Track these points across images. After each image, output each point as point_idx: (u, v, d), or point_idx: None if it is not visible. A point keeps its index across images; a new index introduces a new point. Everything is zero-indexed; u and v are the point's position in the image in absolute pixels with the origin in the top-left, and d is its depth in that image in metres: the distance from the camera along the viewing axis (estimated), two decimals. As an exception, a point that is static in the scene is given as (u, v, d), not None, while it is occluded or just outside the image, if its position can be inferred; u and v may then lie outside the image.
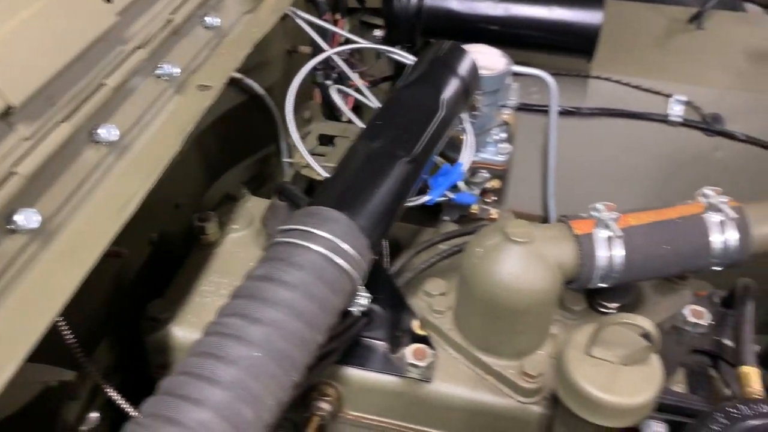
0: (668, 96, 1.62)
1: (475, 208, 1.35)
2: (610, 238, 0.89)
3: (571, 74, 1.66)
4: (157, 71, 0.93)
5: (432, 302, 1.02)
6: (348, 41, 1.32)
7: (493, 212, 1.32)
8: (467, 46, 1.25)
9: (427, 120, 0.96)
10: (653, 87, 1.63)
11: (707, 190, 0.93)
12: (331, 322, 0.76)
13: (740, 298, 0.94)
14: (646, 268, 0.91)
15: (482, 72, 1.19)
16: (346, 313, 0.82)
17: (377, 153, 0.89)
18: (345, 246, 0.77)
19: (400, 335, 0.98)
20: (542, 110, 1.67)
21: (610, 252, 0.89)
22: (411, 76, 1.05)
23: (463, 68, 1.06)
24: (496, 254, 0.89)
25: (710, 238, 0.91)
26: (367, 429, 1.03)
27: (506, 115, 1.31)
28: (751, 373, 0.83)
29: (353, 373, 0.98)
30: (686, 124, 1.62)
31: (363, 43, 1.25)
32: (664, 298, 1.10)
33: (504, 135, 1.32)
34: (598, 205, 0.92)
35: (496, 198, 1.43)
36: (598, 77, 1.66)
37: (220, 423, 0.63)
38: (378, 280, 0.93)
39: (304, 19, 1.28)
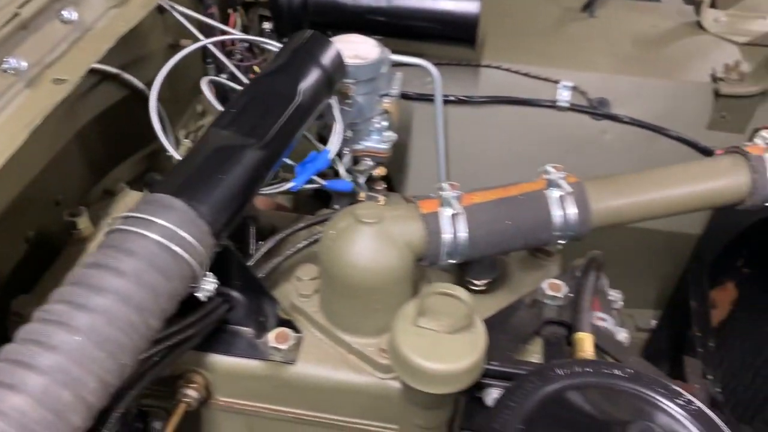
0: (556, 82, 1.68)
1: (362, 196, 1.38)
2: (454, 216, 0.93)
3: (462, 64, 1.70)
4: (3, 66, 0.93)
5: (300, 286, 1.04)
6: (223, 33, 1.33)
7: (382, 199, 1.35)
8: (341, 36, 1.28)
9: (283, 107, 0.98)
10: (542, 74, 1.68)
11: (549, 167, 0.98)
12: (167, 307, 0.78)
13: (584, 269, 0.98)
14: (491, 242, 0.94)
15: (354, 61, 1.22)
16: (204, 300, 0.85)
17: (226, 140, 0.91)
18: (182, 233, 0.79)
19: (264, 320, 0.99)
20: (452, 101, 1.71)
21: (454, 228, 0.92)
22: (271, 65, 1.07)
23: (325, 57, 1.08)
24: (347, 235, 0.92)
25: (551, 213, 0.95)
26: (239, 414, 1.05)
27: (387, 103, 1.33)
28: (585, 339, 0.88)
29: (219, 359, 1.00)
30: (574, 108, 1.68)
31: (237, 35, 1.26)
32: (529, 273, 1.14)
33: (386, 123, 1.35)
34: (444, 185, 0.95)
35: (385, 185, 1.46)
36: (489, 66, 1.70)
37: (37, 408, 0.64)
38: (233, 267, 0.95)
39: (180, 12, 1.28)
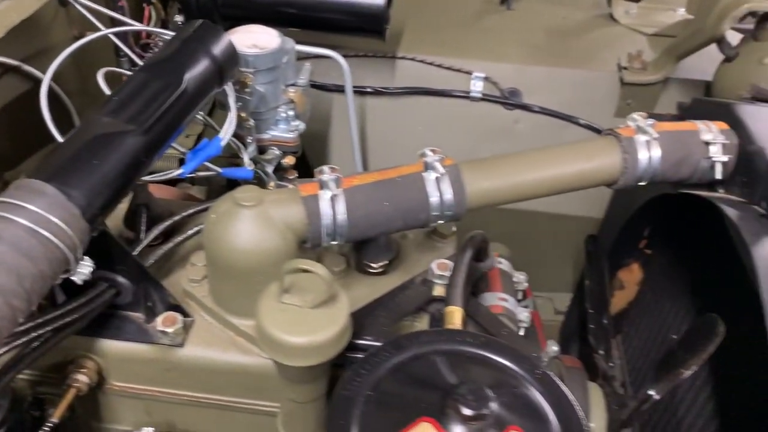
0: (469, 73, 1.72)
1: (272, 185, 1.40)
2: (333, 198, 0.96)
3: (378, 55, 1.74)
4: None
5: (191, 272, 1.06)
6: (124, 24, 1.34)
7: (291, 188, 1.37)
8: (242, 27, 1.30)
9: (166, 95, 1.00)
10: (456, 65, 1.73)
11: (428, 151, 1.01)
12: (35, 288, 0.79)
13: (462, 246, 1.02)
14: (371, 223, 0.97)
15: (253, 51, 1.24)
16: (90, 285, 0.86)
17: (104, 127, 0.92)
18: (51, 217, 0.80)
19: (152, 305, 1.01)
20: (357, 90, 1.75)
21: (333, 210, 0.95)
22: (158, 54, 1.08)
23: (215, 46, 1.10)
24: (226, 219, 0.94)
25: (427, 194, 0.98)
26: (135, 398, 1.06)
27: (292, 93, 1.36)
28: (455, 312, 0.91)
29: (109, 344, 1.01)
30: (486, 99, 1.72)
31: (137, 26, 1.28)
32: (425, 254, 1.18)
33: (292, 113, 1.37)
34: (324, 168, 0.98)
35: (296, 174, 1.48)
36: (404, 58, 1.74)
37: None
38: (115, 253, 0.96)
39: (80, 3, 1.29)
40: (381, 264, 1.15)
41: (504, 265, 1.49)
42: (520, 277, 1.51)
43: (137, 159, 0.94)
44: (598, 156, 1.07)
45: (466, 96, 1.73)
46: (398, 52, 1.74)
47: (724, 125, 1.10)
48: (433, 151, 1.01)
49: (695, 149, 1.07)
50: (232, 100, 1.17)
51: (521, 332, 1.43)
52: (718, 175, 1.07)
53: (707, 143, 1.07)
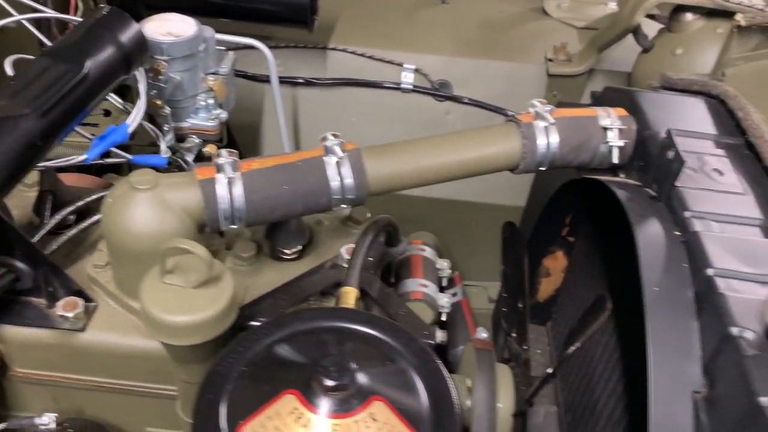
0: (400, 65, 1.74)
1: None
2: (229, 181, 0.96)
3: (309, 46, 1.75)
4: None
5: (95, 257, 1.06)
6: (35, 11, 1.33)
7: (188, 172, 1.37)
8: (158, 15, 1.30)
9: (66, 80, 1.00)
10: (387, 57, 1.74)
11: (329, 135, 1.02)
12: None
13: (363, 230, 1.04)
14: (271, 207, 0.99)
15: (167, 38, 1.24)
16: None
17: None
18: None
19: (53, 290, 1.01)
20: (289, 81, 1.76)
21: (230, 194, 0.96)
22: (63, 40, 1.08)
23: (122, 33, 1.10)
24: (121, 202, 0.94)
25: (328, 178, 0.99)
26: (40, 385, 1.06)
27: (212, 81, 1.36)
28: (350, 292, 0.93)
29: (10, 330, 1.01)
30: (417, 90, 1.74)
31: (50, 13, 1.27)
32: (338, 240, 1.20)
33: (211, 101, 1.37)
34: (222, 152, 0.99)
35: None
36: (335, 49, 1.75)
37: None
38: (12, 238, 0.96)
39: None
40: (294, 250, 1.17)
41: (427, 252, 1.51)
42: (443, 264, 1.53)
43: (32, 142, 0.94)
44: (498, 141, 1.09)
45: (397, 87, 1.74)
46: (330, 43, 1.75)
47: (623, 111, 1.13)
48: (334, 135, 1.02)
49: (594, 134, 1.10)
50: (142, 87, 1.17)
51: (443, 317, 1.46)
52: (615, 160, 1.10)
53: (605, 129, 1.10)
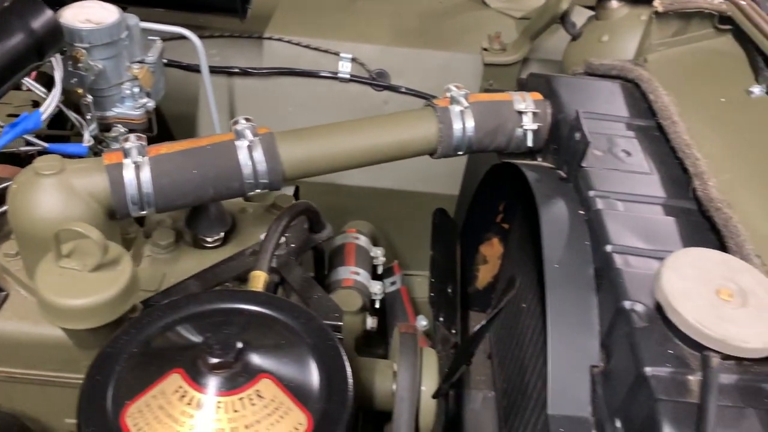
0: (336, 54, 1.74)
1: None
2: (137, 166, 0.96)
3: (244, 36, 1.74)
4: None
5: (6, 246, 1.05)
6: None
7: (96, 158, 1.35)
8: (77, 3, 1.28)
9: (-30, 66, 0.98)
10: (323, 46, 1.74)
11: (241, 119, 1.02)
12: None
13: (278, 215, 1.03)
14: (180, 192, 0.98)
15: (86, 26, 1.22)
16: None
17: None
18: None
19: (-41, 280, 0.99)
20: (224, 71, 1.75)
21: (138, 179, 0.95)
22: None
23: (34, 20, 1.08)
24: (26, 188, 0.93)
25: (239, 162, 0.99)
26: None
27: (136, 70, 1.35)
28: (259, 276, 0.93)
29: None
30: (354, 79, 1.75)
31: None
32: (262, 227, 1.19)
33: (137, 90, 1.36)
34: (131, 136, 0.98)
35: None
36: (270, 38, 1.74)
37: None
38: None
39: None
40: (215, 238, 1.16)
41: (361, 240, 1.52)
42: (377, 252, 1.54)
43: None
44: (415, 126, 1.10)
45: (334, 77, 1.74)
46: (267, 32, 1.74)
47: (538, 96, 1.15)
48: (246, 119, 1.02)
49: (509, 118, 1.11)
50: (57, 75, 1.16)
51: (377, 305, 1.47)
52: (530, 143, 1.12)
53: (520, 113, 1.11)
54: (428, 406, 1.15)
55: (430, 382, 1.16)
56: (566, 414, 0.81)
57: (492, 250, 1.69)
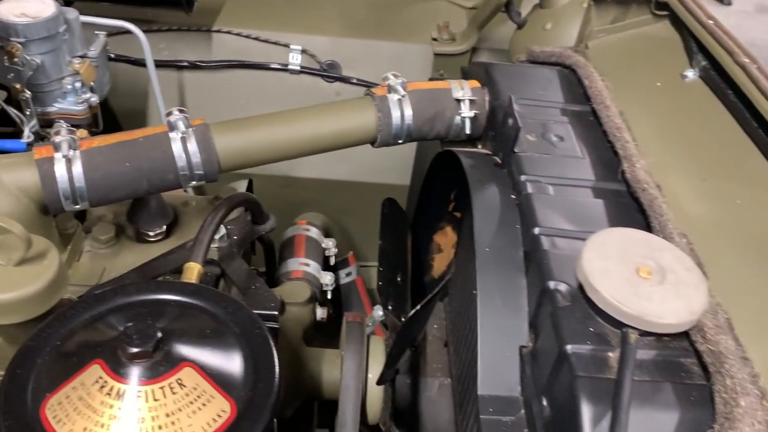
0: (286, 46, 1.74)
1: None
2: (68, 160, 0.95)
3: (193, 29, 1.72)
4: None
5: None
6: None
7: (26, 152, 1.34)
8: (13, -4, 1.26)
9: None
10: (273, 38, 1.74)
11: (175, 110, 1.01)
12: None
13: (215, 207, 1.03)
14: (113, 185, 0.97)
15: (21, 20, 1.21)
16: None
17: None
18: None
19: None
20: (173, 65, 1.73)
21: (69, 173, 0.94)
22: None
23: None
24: (-48, 185, 0.92)
25: (173, 154, 0.99)
26: None
27: (78, 64, 1.33)
28: (193, 268, 0.92)
29: None
30: (305, 71, 1.74)
31: None
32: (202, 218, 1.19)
33: (78, 85, 1.34)
34: (62, 129, 0.97)
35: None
36: (219, 31, 1.73)
37: None
38: None
39: None
40: (157, 232, 1.16)
41: (312, 232, 1.52)
42: (329, 243, 1.55)
43: None
44: (354, 115, 1.10)
45: (285, 69, 1.74)
46: (215, 25, 1.73)
47: (476, 83, 1.16)
48: (180, 110, 1.02)
49: (447, 106, 1.12)
50: (-11, 69, 1.14)
51: (329, 295, 1.47)
52: (468, 131, 1.13)
53: (458, 100, 1.12)
54: (375, 393, 1.17)
55: (375, 369, 1.17)
56: (496, 394, 0.82)
57: (446, 238, 1.70)
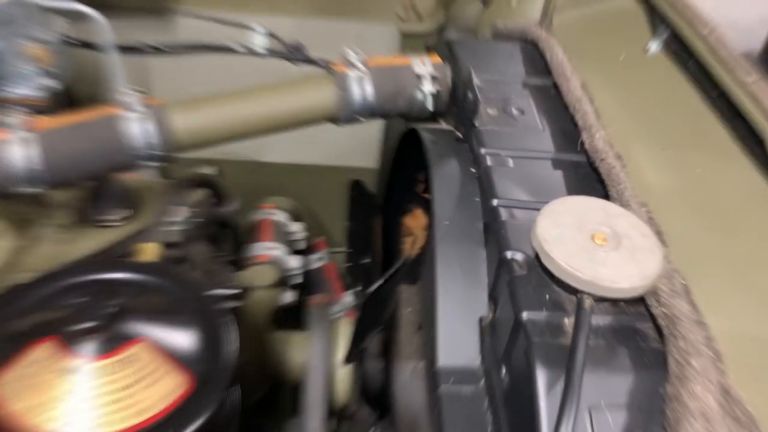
0: (251, 28, 1.71)
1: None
2: (23, 142, 0.93)
3: (154, 11, 1.70)
4: None
5: None
6: None
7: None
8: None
9: None
10: (236, 20, 1.71)
11: (129, 90, 1.00)
12: None
13: (174, 188, 1.02)
14: (68, 167, 0.96)
15: (-30, 2, 1.18)
16: None
17: None
18: None
19: None
20: (136, 49, 1.70)
21: (23, 155, 0.93)
22: None
23: None
24: None
25: (127, 134, 0.97)
26: None
27: (34, 49, 1.30)
28: (151, 248, 0.92)
29: None
30: (271, 53, 1.72)
31: None
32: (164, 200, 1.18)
33: (36, 70, 1.32)
34: (14, 112, 0.95)
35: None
36: (181, 13, 1.71)
37: None
38: None
39: None
40: (118, 216, 1.14)
41: (278, 216, 1.52)
42: (296, 228, 1.54)
43: None
44: (314, 92, 1.10)
45: (250, 51, 1.71)
46: (177, 7, 1.71)
47: (437, 59, 1.15)
48: (137, 90, 1.00)
49: (408, 82, 1.12)
50: (-59, 54, 1.11)
51: (298, 279, 1.47)
52: (430, 107, 1.13)
53: (419, 76, 1.12)
54: (341, 375, 1.17)
55: (341, 352, 1.17)
56: (455, 365, 0.83)
57: (416, 221, 1.70)
